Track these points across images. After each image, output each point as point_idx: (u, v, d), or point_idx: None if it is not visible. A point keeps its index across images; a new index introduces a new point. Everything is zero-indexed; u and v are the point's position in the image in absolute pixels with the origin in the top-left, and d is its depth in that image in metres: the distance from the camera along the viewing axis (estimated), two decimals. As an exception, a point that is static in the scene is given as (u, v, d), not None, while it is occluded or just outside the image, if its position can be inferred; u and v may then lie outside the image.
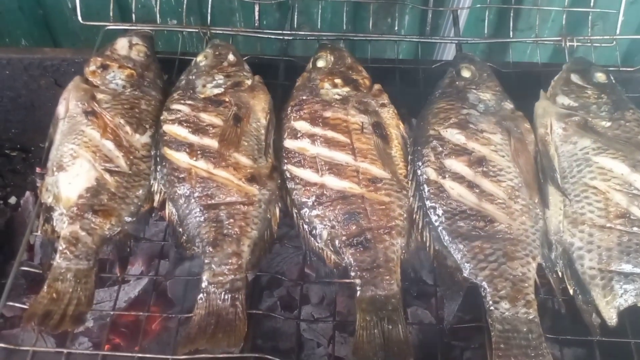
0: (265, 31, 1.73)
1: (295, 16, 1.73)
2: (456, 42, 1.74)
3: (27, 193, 1.82)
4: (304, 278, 1.45)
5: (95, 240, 1.30)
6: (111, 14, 1.73)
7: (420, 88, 1.63)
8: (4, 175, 1.97)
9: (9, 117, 1.91)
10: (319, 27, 1.75)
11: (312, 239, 1.33)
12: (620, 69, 1.67)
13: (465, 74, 1.47)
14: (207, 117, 1.40)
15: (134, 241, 1.35)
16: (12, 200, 1.91)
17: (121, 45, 1.54)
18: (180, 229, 1.33)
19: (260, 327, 1.44)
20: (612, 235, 1.24)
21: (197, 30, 1.73)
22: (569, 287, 1.25)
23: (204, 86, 1.46)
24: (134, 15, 1.74)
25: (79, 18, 1.73)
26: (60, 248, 1.28)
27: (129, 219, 1.34)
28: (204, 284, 1.24)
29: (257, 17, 1.74)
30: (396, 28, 1.80)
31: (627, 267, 1.22)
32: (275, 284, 1.56)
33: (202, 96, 1.44)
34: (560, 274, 1.27)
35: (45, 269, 1.31)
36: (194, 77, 1.49)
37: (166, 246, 1.39)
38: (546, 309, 1.25)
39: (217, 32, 1.72)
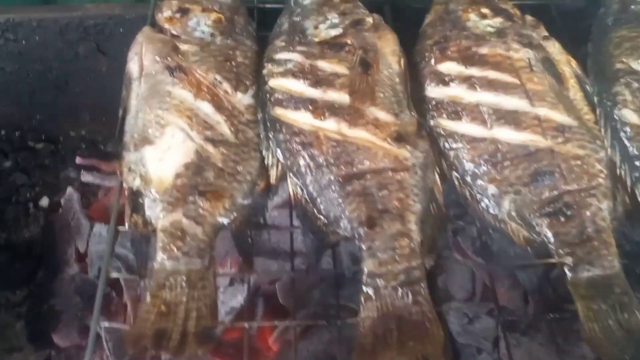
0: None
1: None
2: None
3: (69, 189, 1.46)
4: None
5: (206, 230, 0.97)
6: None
7: (557, 25, 1.34)
8: (29, 173, 1.61)
9: (35, 99, 1.54)
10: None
11: (487, 210, 1.02)
12: None
13: (638, -5, 1.19)
14: (327, 65, 1.09)
15: (255, 230, 1.02)
16: (44, 202, 1.55)
17: (199, -16, 1.20)
18: (315, 209, 1.01)
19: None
20: None
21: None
22: None
23: (316, 28, 1.14)
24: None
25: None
26: (161, 244, 0.95)
27: (244, 201, 1.02)
28: (366, 278, 0.92)
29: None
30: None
31: None
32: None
33: (317, 39, 1.13)
34: None
35: (141, 274, 0.98)
36: (299, 18, 1.17)
37: (302, 233, 1.05)
38: None
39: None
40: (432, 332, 0.86)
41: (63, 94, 1.54)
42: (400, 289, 0.90)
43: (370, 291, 0.91)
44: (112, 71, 1.48)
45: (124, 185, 1.01)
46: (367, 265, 0.93)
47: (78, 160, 1.53)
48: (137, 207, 1.00)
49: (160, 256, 0.94)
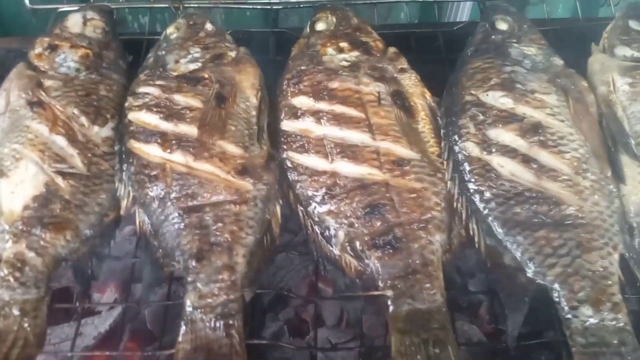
0: (249, 1, 1.45)
1: (285, -18, 1.45)
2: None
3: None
4: (317, 294, 1.15)
5: (46, 261, 1.01)
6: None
7: (443, 55, 1.35)
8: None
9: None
10: (313, -7, 1.46)
11: (325, 242, 1.04)
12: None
13: (502, 26, 1.20)
14: (182, 99, 1.12)
15: (97, 260, 1.06)
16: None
17: (73, 21, 1.25)
18: (156, 241, 1.04)
19: (265, 360, 1.14)
20: None
21: (167, 6, 1.44)
22: (662, 282, 0.96)
23: (176, 62, 1.18)
24: (92, -6, 1.45)
25: (26, 1, 1.45)
26: (2, 274, 0.99)
27: (89, 232, 1.05)
28: (187, 310, 0.94)
29: (239, -14, 1.46)
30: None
31: None
32: (280, 304, 1.25)
33: (175, 74, 1.16)
34: (649, 265, 0.97)
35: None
36: (164, 52, 1.21)
37: (138, 264, 1.08)
38: (632, 312, 0.95)
39: (192, 5, 1.43)
40: (236, 365, 0.88)
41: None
42: (214, 321, 0.92)
43: (189, 323, 0.93)
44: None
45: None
46: (190, 298, 0.95)
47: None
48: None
49: (-1, 286, 0.98)
